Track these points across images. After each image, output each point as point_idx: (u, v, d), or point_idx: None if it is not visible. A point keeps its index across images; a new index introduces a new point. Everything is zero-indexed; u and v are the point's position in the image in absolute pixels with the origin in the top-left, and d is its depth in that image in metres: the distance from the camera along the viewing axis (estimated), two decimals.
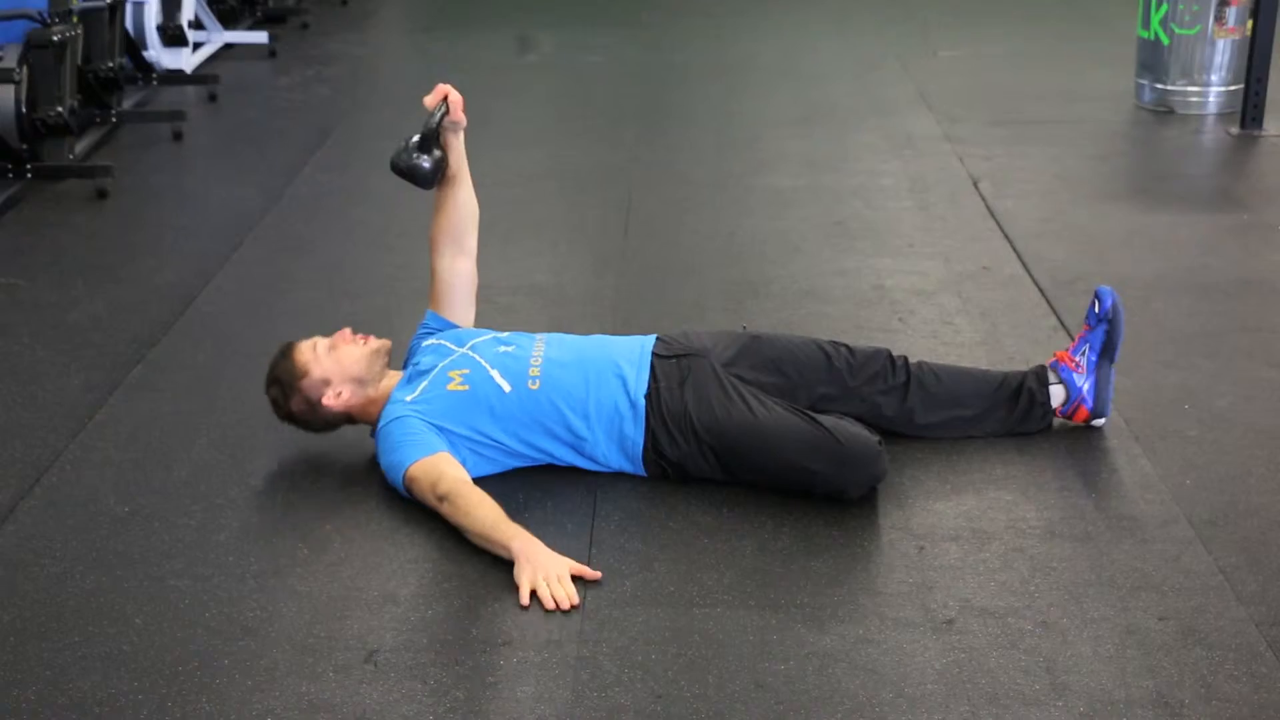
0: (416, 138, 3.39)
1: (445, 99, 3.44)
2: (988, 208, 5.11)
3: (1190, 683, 2.51)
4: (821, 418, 3.14)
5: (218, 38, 7.82)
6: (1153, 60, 6.36)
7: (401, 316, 4.24)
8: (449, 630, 2.69)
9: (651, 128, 6.46)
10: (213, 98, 6.94)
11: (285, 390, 3.28)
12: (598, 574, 2.83)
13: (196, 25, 7.60)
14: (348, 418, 3.33)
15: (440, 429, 3.16)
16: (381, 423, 3.22)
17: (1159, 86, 6.35)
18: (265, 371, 3.33)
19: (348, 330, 3.36)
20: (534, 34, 8.25)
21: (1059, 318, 4.10)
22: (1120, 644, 2.62)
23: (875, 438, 3.14)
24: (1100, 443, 3.38)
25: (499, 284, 4.46)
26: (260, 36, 7.97)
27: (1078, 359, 3.40)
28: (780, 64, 7.64)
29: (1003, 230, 4.87)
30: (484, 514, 2.94)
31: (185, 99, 6.91)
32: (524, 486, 3.22)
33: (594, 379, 3.21)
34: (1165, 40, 6.27)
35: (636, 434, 3.19)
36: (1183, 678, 2.52)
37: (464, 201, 3.50)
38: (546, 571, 2.79)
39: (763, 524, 3.05)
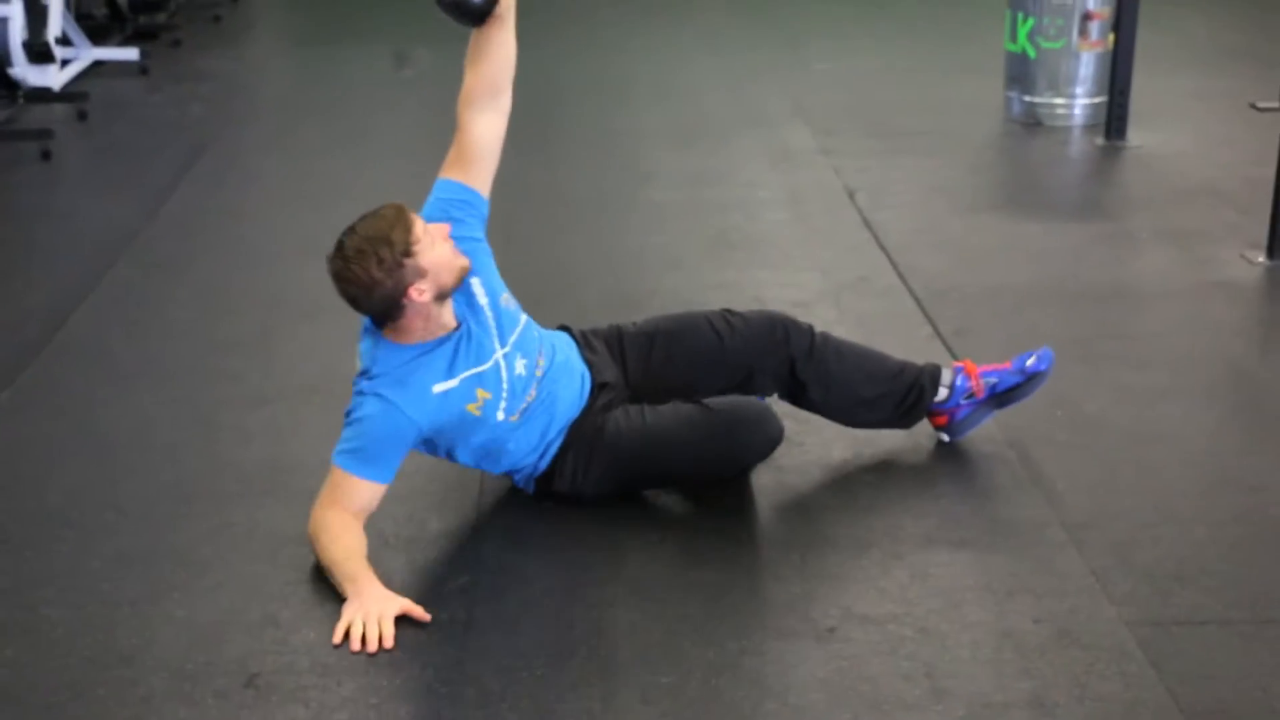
0: None
1: None
2: (863, 219, 5.18)
3: (1065, 683, 2.56)
4: (707, 400, 3.15)
5: (86, 54, 7.68)
6: (1020, 73, 6.49)
7: (281, 336, 4.21)
8: (331, 652, 2.67)
9: (529, 143, 6.44)
10: (82, 116, 6.81)
11: (388, 253, 2.89)
12: (427, 616, 2.73)
13: (64, 42, 7.46)
14: (398, 314, 2.96)
15: (421, 439, 3.01)
16: (395, 388, 2.93)
17: (1027, 99, 6.48)
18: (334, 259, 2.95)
19: (449, 227, 3.04)
20: (410, 49, 8.20)
21: (934, 326, 4.16)
22: (997, 647, 2.67)
23: (760, 402, 3.16)
24: (975, 449, 3.44)
25: None
26: (131, 53, 7.84)
27: (983, 382, 3.40)
28: (658, 79, 7.67)
29: (878, 241, 4.94)
30: (340, 548, 2.83)
31: (53, 117, 6.76)
32: (406, 501, 3.20)
33: (557, 418, 3.15)
34: (1032, 54, 6.41)
35: (543, 464, 3.16)
36: (1057, 678, 2.57)
37: (506, 45, 3.16)
38: (368, 611, 2.70)
39: (647, 536, 3.06)
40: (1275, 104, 4.59)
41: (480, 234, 3.20)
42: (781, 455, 3.36)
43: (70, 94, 7.00)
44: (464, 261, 3.03)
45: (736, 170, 5.89)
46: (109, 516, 3.17)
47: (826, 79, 7.51)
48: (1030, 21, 6.38)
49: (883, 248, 4.87)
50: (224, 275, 4.76)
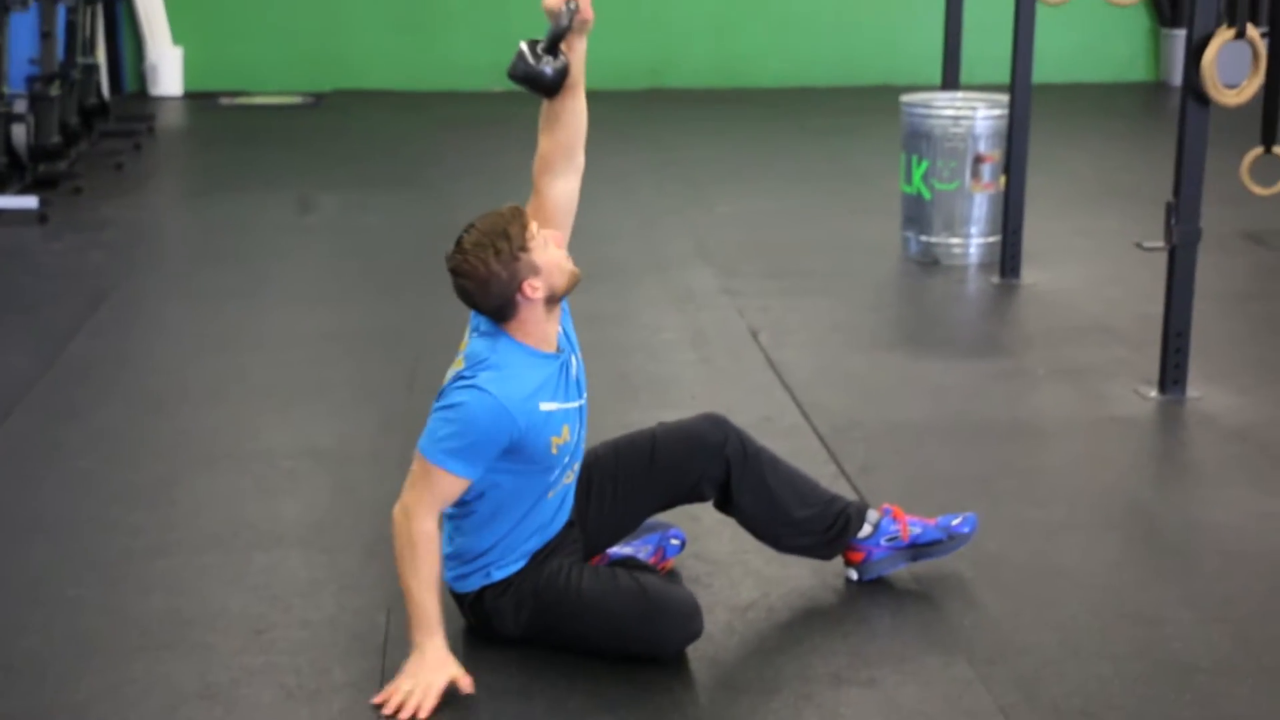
0: (542, 41, 3.09)
1: None
2: (767, 359, 5.24)
3: None
4: (642, 576, 3.13)
5: None
6: (916, 214, 6.64)
7: (182, 485, 4.15)
8: None
9: (435, 287, 6.41)
10: None
11: (506, 246, 2.98)
12: (470, 689, 2.92)
13: None
14: (511, 312, 3.04)
15: (492, 460, 3.01)
16: (507, 387, 2.98)
17: (924, 239, 6.62)
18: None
19: (561, 235, 3.16)
20: (314, 195, 8.24)
21: (839, 464, 4.20)
22: None
23: (693, 597, 3.13)
24: (881, 587, 3.45)
25: (281, 449, 4.40)
26: (29, 201, 7.77)
27: (909, 528, 3.44)
28: None
29: (782, 380, 4.99)
30: (422, 578, 2.96)
31: None
32: (309, 650, 3.14)
33: (551, 528, 3.17)
34: (927, 195, 6.57)
35: (497, 575, 3.14)
36: None
37: (580, 111, 3.22)
38: (417, 680, 2.90)
39: (554, 683, 3.03)
40: (1159, 244, 4.73)
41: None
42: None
43: None
44: (575, 268, 3.13)
45: (640, 312, 5.94)
46: None
47: (729, 220, 7.63)
48: (925, 164, 6.55)
49: (786, 386, 4.93)
50: (124, 424, 4.70)
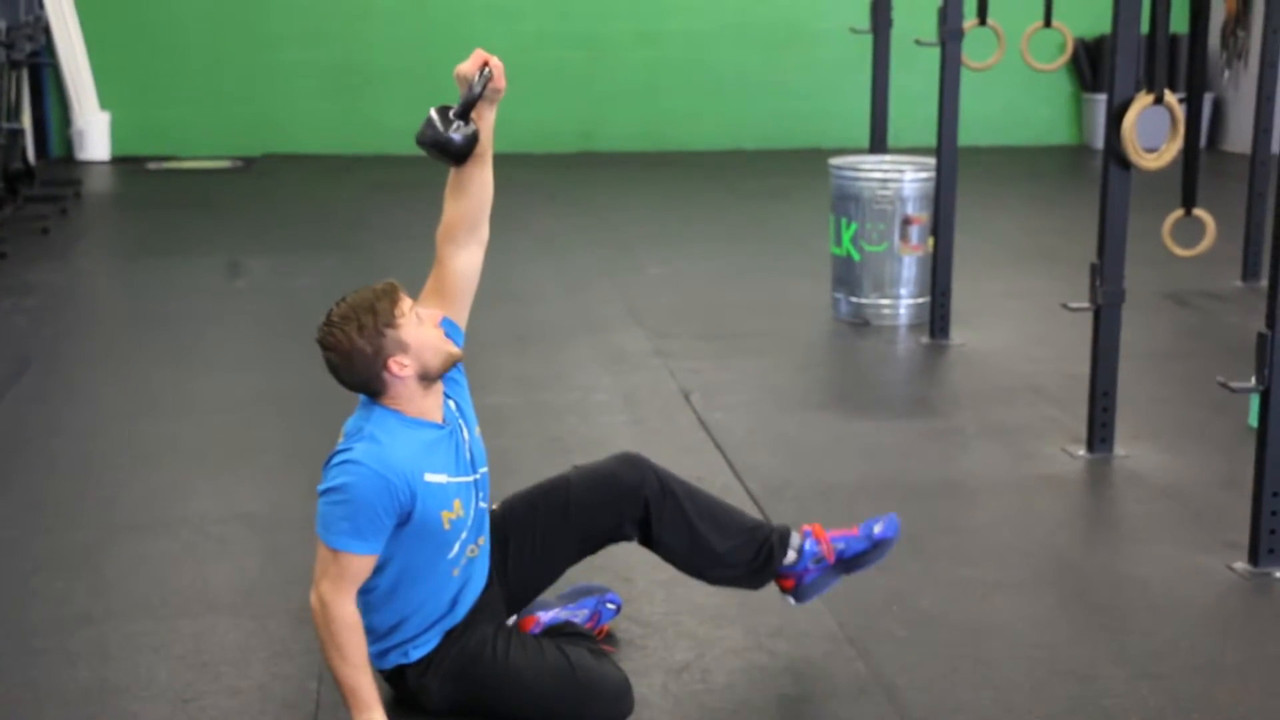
0: (454, 107, 3.10)
1: (486, 65, 3.11)
2: (699, 419, 5.25)
3: None
4: (572, 652, 3.11)
5: None
6: (846, 275, 6.70)
7: (109, 553, 4.09)
8: None
9: None
10: None
11: (370, 321, 2.95)
12: None
13: None
14: (379, 388, 3.01)
15: (390, 528, 2.96)
16: (384, 456, 2.93)
17: (854, 300, 6.68)
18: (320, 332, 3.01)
19: (440, 314, 3.11)
20: (243, 259, 8.20)
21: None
22: None
23: (623, 674, 3.11)
24: (815, 647, 3.46)
25: (211, 514, 4.35)
26: None
27: (832, 546, 3.40)
28: (492, 284, 7.67)
29: (714, 441, 5.00)
30: (349, 667, 2.91)
31: None
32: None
33: (462, 605, 3.11)
34: (857, 257, 6.63)
35: (415, 653, 3.10)
36: None
37: (487, 181, 3.22)
38: None
39: None
40: (1085, 304, 4.80)
41: (457, 368, 3.20)
42: (623, 657, 3.34)
43: None
44: (453, 348, 3.09)
45: (572, 373, 5.95)
46: None
47: (660, 282, 7.66)
48: (854, 226, 6.62)
49: (719, 447, 4.94)
50: (50, 491, 4.63)
